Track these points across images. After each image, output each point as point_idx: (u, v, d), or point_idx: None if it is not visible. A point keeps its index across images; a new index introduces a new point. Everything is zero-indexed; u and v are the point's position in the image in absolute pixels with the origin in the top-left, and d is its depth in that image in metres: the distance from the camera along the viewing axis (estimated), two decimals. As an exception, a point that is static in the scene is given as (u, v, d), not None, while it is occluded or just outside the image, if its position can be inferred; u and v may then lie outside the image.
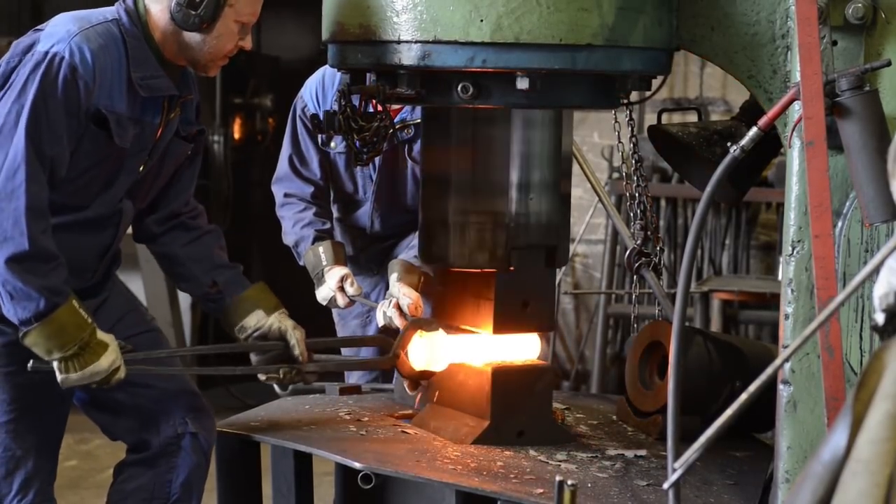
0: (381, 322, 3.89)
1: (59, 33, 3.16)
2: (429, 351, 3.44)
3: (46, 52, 3.13)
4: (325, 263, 4.05)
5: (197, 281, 3.50)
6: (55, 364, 3.11)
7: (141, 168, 3.32)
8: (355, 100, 3.25)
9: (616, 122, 3.70)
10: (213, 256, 3.51)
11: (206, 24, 3.21)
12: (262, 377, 3.41)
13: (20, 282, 3.05)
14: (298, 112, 4.19)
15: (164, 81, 3.27)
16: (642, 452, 3.32)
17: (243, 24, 3.28)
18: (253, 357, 3.45)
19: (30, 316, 3.07)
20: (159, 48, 3.27)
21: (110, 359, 3.15)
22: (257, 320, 3.44)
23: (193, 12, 3.20)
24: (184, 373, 3.54)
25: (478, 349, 3.48)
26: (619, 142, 3.73)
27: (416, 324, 3.48)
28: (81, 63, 3.13)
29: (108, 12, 3.26)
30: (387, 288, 3.97)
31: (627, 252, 3.69)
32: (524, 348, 3.52)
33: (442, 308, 3.62)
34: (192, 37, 3.24)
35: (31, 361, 3.12)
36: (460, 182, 3.46)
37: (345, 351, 4.21)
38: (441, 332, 3.45)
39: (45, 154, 3.09)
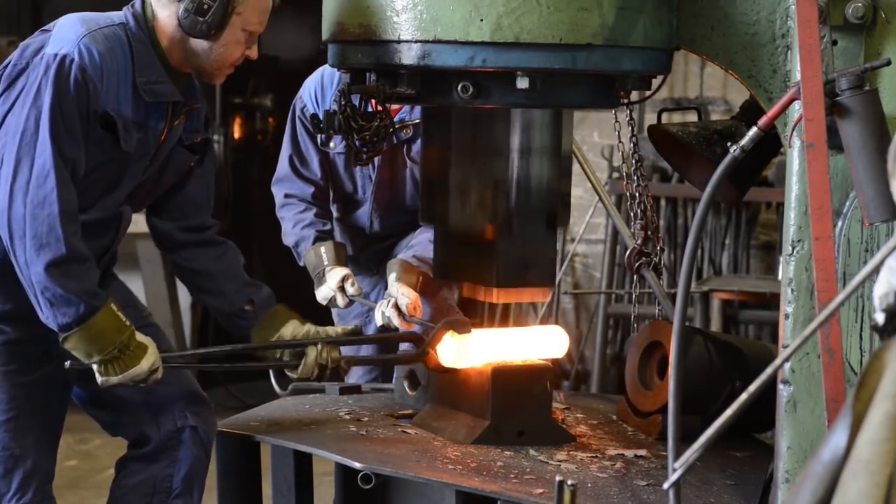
0: (379, 322, 3.89)
1: (67, 36, 3.17)
2: (458, 349, 3.44)
3: (56, 55, 3.13)
4: (326, 263, 4.05)
5: (228, 298, 3.52)
6: (95, 367, 3.14)
7: (142, 173, 3.33)
8: (355, 99, 3.25)
9: (616, 121, 3.70)
10: (242, 274, 3.56)
11: (213, 31, 3.22)
12: (292, 375, 3.45)
13: (59, 287, 3.07)
14: (298, 112, 4.19)
15: (169, 87, 3.27)
16: (642, 452, 3.32)
17: (250, 33, 3.29)
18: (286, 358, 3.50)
19: (70, 321, 3.09)
20: (165, 54, 3.27)
21: (150, 360, 3.18)
22: (293, 329, 3.49)
23: (201, 19, 3.20)
24: (219, 369, 3.58)
25: (507, 346, 3.49)
26: (620, 141, 3.73)
27: (449, 324, 3.48)
28: (91, 64, 3.14)
29: (115, 16, 3.27)
30: (386, 288, 3.97)
31: (628, 252, 3.69)
32: (552, 344, 3.54)
33: (445, 268, 3.63)
34: (199, 44, 3.25)
35: (68, 361, 3.15)
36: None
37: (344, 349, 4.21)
38: (473, 333, 3.46)
39: (67, 156, 3.11)
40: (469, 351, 3.43)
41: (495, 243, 3.44)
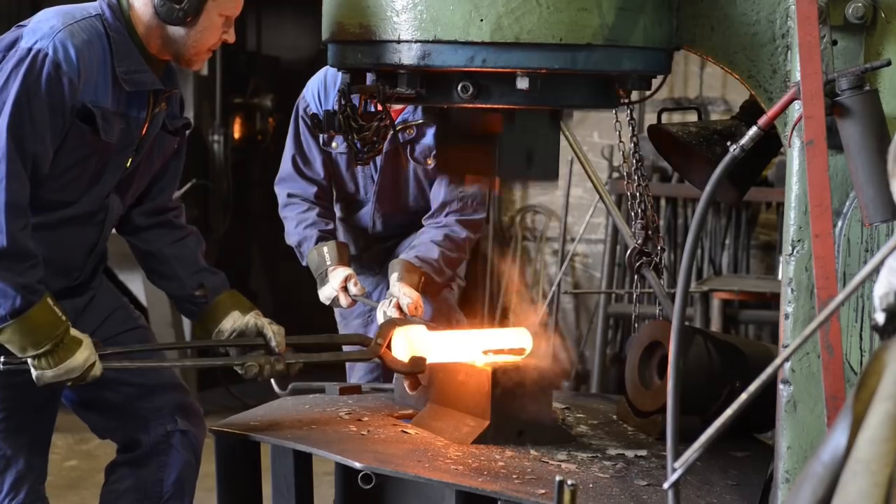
0: (381, 322, 3.89)
1: (42, 30, 3.16)
2: (411, 343, 3.44)
3: (30, 49, 3.12)
4: (329, 263, 4.06)
5: (181, 282, 3.50)
6: (30, 361, 3.12)
7: (128, 163, 3.32)
8: (355, 99, 3.25)
9: (617, 121, 3.70)
10: (198, 259, 3.52)
11: (189, 17, 3.22)
12: (238, 369, 3.37)
13: None
14: (301, 112, 4.20)
15: (149, 76, 3.27)
16: (642, 452, 3.32)
17: (227, 18, 3.29)
18: (232, 354, 3.45)
19: (4, 313, 3.08)
20: (143, 42, 3.27)
21: (85, 354, 3.15)
22: (234, 321, 3.44)
23: (177, 6, 3.20)
24: (162, 367, 3.54)
25: (464, 344, 3.48)
26: (620, 141, 3.73)
27: (392, 322, 3.49)
28: (65, 60, 3.13)
29: (90, 7, 3.27)
30: (388, 287, 3.97)
31: (629, 251, 3.69)
32: (514, 342, 3.53)
33: (444, 162, 3.59)
34: (176, 30, 3.25)
35: (1, 359, 3.13)
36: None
37: None
38: (422, 327, 3.45)
39: (28, 151, 3.09)
40: (425, 350, 3.44)
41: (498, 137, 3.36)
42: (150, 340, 3.45)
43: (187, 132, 3.51)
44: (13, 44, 3.17)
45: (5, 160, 3.05)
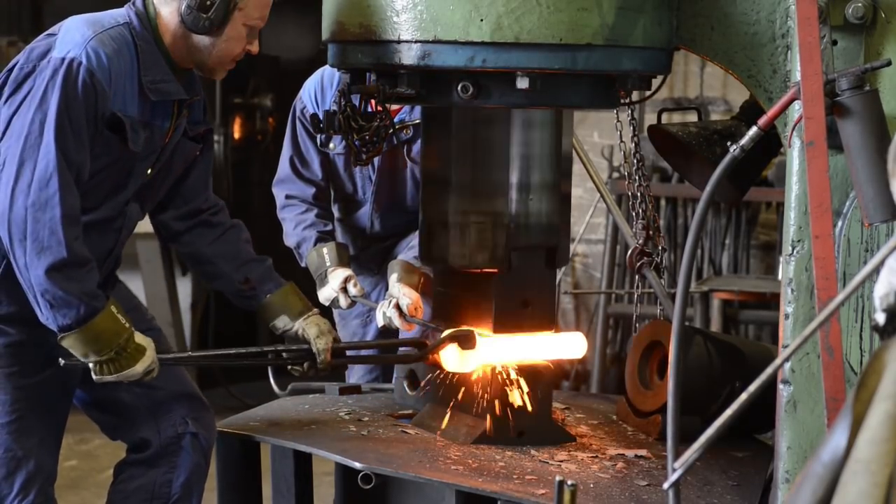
0: (380, 322, 3.89)
1: (74, 38, 3.16)
2: (462, 356, 3.43)
3: (63, 59, 3.12)
4: (328, 265, 4.05)
5: (228, 278, 3.53)
6: (91, 365, 3.15)
7: (149, 171, 3.33)
8: (355, 99, 3.25)
9: (618, 121, 3.70)
10: (241, 252, 3.54)
11: (215, 27, 3.22)
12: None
13: (60, 290, 3.07)
14: (298, 113, 4.19)
15: (174, 85, 3.27)
16: (643, 452, 3.32)
17: (251, 28, 3.29)
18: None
19: (70, 322, 3.10)
20: (169, 51, 3.27)
21: (146, 364, 3.20)
22: (284, 324, 3.50)
23: (204, 15, 3.21)
24: (214, 364, 3.56)
25: (519, 351, 3.46)
26: (621, 141, 3.73)
27: (454, 338, 3.43)
28: (99, 68, 3.13)
29: (118, 15, 3.26)
30: (387, 288, 3.97)
31: (630, 251, 3.69)
32: (569, 347, 3.54)
33: (442, 309, 3.62)
34: (201, 40, 3.25)
35: (62, 359, 3.15)
36: (460, 182, 3.46)
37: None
38: (479, 348, 3.41)
39: (73, 160, 3.11)
40: (475, 360, 3.43)
41: (493, 284, 3.41)
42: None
43: (210, 136, 3.52)
44: (45, 54, 3.17)
45: (56, 173, 3.06)
